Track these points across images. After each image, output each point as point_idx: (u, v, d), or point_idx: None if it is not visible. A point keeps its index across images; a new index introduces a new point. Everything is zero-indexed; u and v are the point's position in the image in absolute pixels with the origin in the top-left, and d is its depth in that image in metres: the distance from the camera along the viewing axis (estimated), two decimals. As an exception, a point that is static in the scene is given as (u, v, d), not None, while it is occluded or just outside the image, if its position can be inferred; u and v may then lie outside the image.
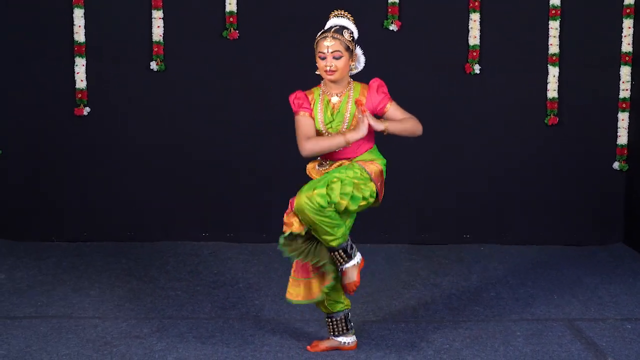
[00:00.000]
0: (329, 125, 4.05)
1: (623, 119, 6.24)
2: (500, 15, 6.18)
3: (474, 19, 6.13)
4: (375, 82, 4.10)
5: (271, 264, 5.79)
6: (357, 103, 4.02)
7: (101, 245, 6.15)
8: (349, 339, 4.23)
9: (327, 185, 3.88)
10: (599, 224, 6.36)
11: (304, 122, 4.06)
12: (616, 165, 6.29)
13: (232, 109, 6.25)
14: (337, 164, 4.05)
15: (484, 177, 6.31)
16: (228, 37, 6.15)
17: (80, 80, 6.12)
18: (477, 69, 6.18)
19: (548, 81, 6.20)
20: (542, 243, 6.32)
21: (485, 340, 4.39)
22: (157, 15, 6.10)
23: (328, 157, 4.09)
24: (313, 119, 4.07)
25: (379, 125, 3.95)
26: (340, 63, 3.98)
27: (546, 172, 6.31)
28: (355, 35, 4.07)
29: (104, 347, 4.25)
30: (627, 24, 6.17)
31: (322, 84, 4.14)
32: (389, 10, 6.13)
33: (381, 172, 4.08)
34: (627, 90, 6.22)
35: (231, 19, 6.13)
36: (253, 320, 4.68)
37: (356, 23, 4.12)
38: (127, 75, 6.19)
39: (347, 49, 4.00)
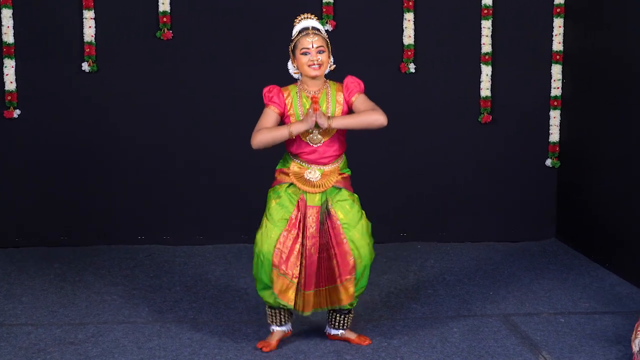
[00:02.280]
0: None
1: (555, 116, 6.37)
2: (434, 14, 6.25)
3: (408, 19, 6.20)
4: (349, 77, 4.28)
5: (208, 266, 5.76)
6: (313, 99, 4.14)
7: (33, 250, 6.04)
8: (287, 327, 4.35)
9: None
10: (532, 220, 6.49)
11: (267, 115, 4.19)
12: (548, 162, 6.42)
13: (166, 110, 6.21)
14: (317, 169, 4.20)
15: (419, 175, 6.38)
16: (162, 38, 6.11)
17: (10, 82, 6.01)
18: (412, 68, 6.24)
19: (481, 80, 6.30)
20: (478, 240, 6.41)
21: (423, 337, 4.45)
22: (89, 15, 6.02)
23: (306, 161, 4.21)
24: (281, 115, 4.19)
25: (322, 121, 4.06)
26: (324, 57, 4.15)
27: (480, 170, 6.41)
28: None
29: (37, 354, 4.19)
30: (558, 23, 6.30)
31: (298, 83, 4.24)
32: (324, 10, 6.16)
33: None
34: (558, 88, 6.35)
35: (164, 19, 6.08)
36: (190, 323, 4.65)
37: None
38: (58, 77, 6.09)
39: (327, 45, 4.18)
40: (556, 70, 6.33)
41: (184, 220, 6.29)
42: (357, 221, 4.26)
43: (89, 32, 6.04)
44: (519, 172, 6.43)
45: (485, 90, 6.31)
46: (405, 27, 6.21)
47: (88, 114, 6.15)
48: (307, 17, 4.23)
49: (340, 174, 4.26)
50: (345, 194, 4.25)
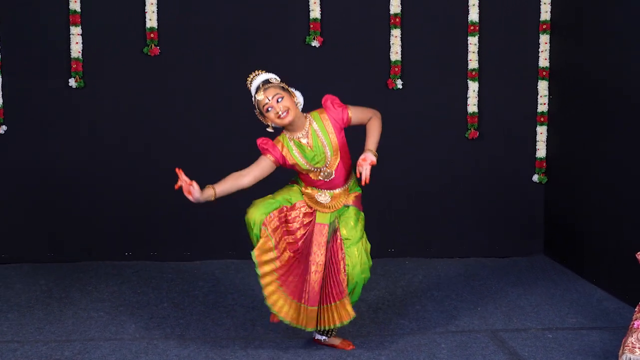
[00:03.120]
0: (314, 162, 4.31)
1: (541, 132, 6.41)
2: (421, 31, 6.29)
3: (395, 35, 6.23)
4: (327, 99, 4.37)
5: (195, 282, 5.75)
6: (358, 165, 4.23)
7: (19, 267, 6.02)
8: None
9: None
10: (520, 235, 6.51)
11: (261, 164, 4.29)
12: (535, 178, 6.45)
13: (153, 126, 6.21)
14: (328, 193, 4.40)
15: (407, 191, 6.40)
16: (149, 54, 6.12)
17: (-4, 97, 6.02)
18: (399, 84, 6.28)
19: (468, 96, 6.34)
20: (466, 255, 6.43)
21: (411, 353, 4.45)
22: (76, 31, 6.03)
23: (323, 187, 4.39)
24: (277, 165, 4.30)
25: (374, 160, 4.27)
26: (287, 102, 4.20)
27: (468, 186, 6.44)
28: (279, 78, 4.30)
29: (23, 371, 4.17)
30: (544, 40, 6.35)
31: (285, 131, 4.32)
32: (311, 26, 6.19)
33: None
34: (544, 104, 6.39)
35: (152, 35, 6.10)
36: (177, 340, 4.64)
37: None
38: (45, 92, 6.10)
39: (283, 89, 4.23)
40: (542, 86, 6.38)
41: (172, 236, 6.28)
42: (358, 239, 4.37)
43: (76, 48, 6.04)
44: (506, 188, 6.46)
45: (472, 106, 6.34)
46: (393, 44, 6.25)
47: (75, 130, 6.15)
48: (254, 76, 4.27)
49: (349, 194, 4.45)
50: (352, 211, 4.41)
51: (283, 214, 4.36)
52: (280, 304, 4.37)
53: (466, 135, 6.38)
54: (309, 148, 4.29)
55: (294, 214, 4.37)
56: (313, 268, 4.32)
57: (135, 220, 6.24)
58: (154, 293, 5.50)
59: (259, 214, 4.31)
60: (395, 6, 6.22)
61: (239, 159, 4.61)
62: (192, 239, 6.28)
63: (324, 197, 4.39)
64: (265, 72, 4.30)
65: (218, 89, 6.20)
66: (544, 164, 6.43)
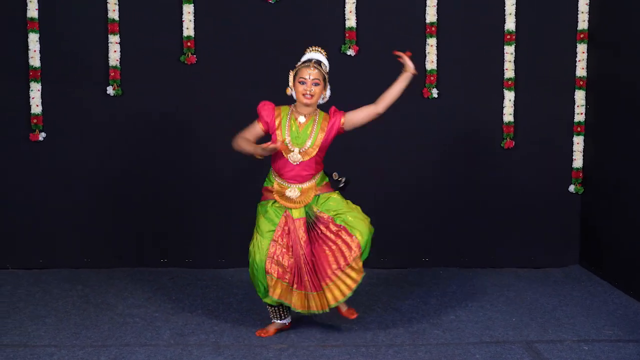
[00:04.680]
0: (294, 141, 4.71)
1: (578, 142, 6.38)
2: (457, 40, 6.29)
3: (431, 44, 6.24)
4: (332, 109, 4.82)
5: (230, 289, 5.80)
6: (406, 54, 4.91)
7: (57, 272, 6.12)
8: (287, 320, 4.93)
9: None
10: (555, 246, 6.48)
11: (253, 128, 4.81)
12: (572, 188, 6.42)
13: (189, 134, 6.27)
14: (296, 188, 4.76)
15: (442, 201, 6.40)
16: (186, 62, 6.19)
17: (36, 105, 6.11)
18: (434, 93, 6.28)
19: (504, 105, 6.33)
20: (500, 266, 6.41)
21: (445, 363, 4.46)
22: (114, 39, 6.12)
23: (285, 179, 4.76)
24: (265, 132, 4.77)
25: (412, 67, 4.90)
26: (317, 90, 4.70)
27: (503, 196, 6.42)
28: (328, 69, 4.78)
29: (60, 375, 4.23)
30: (581, 49, 6.32)
31: (292, 106, 4.79)
32: (347, 35, 6.22)
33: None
34: (581, 114, 6.36)
35: (189, 44, 6.17)
36: (212, 347, 4.69)
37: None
38: (83, 100, 6.18)
39: (324, 79, 4.73)
40: (579, 96, 6.35)
41: (207, 243, 6.33)
42: (345, 206, 4.80)
43: (114, 56, 6.14)
44: (542, 198, 6.43)
45: (507, 115, 6.33)
46: (428, 52, 6.26)
47: (112, 137, 6.23)
48: (315, 50, 4.80)
49: (317, 187, 4.80)
50: (323, 196, 4.80)
51: (274, 248, 4.73)
52: (285, 295, 4.75)
53: (502, 145, 6.37)
54: (298, 128, 4.71)
55: (278, 233, 4.74)
56: (303, 259, 4.70)
57: (171, 227, 6.31)
58: (188, 300, 5.55)
59: (258, 260, 4.74)
60: (431, 15, 6.24)
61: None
62: (227, 246, 6.33)
63: (293, 192, 4.74)
64: (324, 54, 4.78)
65: (254, 97, 6.22)
66: (581, 174, 6.40)
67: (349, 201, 4.85)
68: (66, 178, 6.22)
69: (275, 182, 4.79)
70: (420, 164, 6.37)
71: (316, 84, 4.67)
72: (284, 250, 4.72)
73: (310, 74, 4.66)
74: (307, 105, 4.71)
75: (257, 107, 4.80)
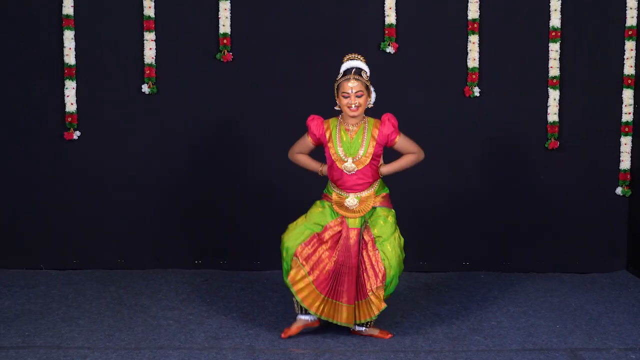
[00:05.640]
0: (347, 151, 4.80)
1: (626, 143, 6.29)
2: (500, 37, 6.24)
3: (473, 41, 6.19)
4: (388, 116, 4.85)
5: (265, 292, 5.80)
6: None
7: (91, 273, 6.17)
8: (311, 317, 4.88)
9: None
10: (601, 250, 6.39)
11: (304, 141, 4.93)
12: (619, 190, 6.33)
13: (225, 133, 6.28)
14: (355, 197, 4.82)
15: (484, 203, 6.35)
16: (222, 60, 6.20)
17: (70, 103, 6.16)
18: (476, 91, 6.23)
19: (549, 104, 6.26)
20: (544, 270, 6.34)
21: (486, 371, 4.42)
22: (149, 37, 6.15)
23: (343, 189, 4.83)
24: (315, 144, 4.91)
25: (381, 171, 4.89)
26: (362, 100, 4.76)
27: (547, 198, 6.35)
28: (369, 74, 4.83)
29: (93, 378, 4.26)
30: (630, 46, 6.24)
31: (340, 117, 4.88)
32: (386, 32, 6.19)
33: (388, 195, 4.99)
34: (629, 113, 6.27)
35: (225, 41, 6.18)
36: (247, 350, 4.68)
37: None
38: (118, 99, 6.23)
39: (367, 87, 4.78)
40: (627, 95, 6.26)
41: (242, 245, 6.34)
42: (390, 235, 4.81)
43: (150, 54, 6.16)
44: (588, 201, 6.35)
45: (552, 115, 6.26)
46: (470, 50, 6.21)
47: (147, 136, 6.26)
48: (353, 58, 4.84)
49: (376, 196, 4.85)
50: (380, 211, 4.85)
51: (314, 240, 4.81)
52: (311, 300, 4.78)
53: (546, 146, 6.30)
54: (349, 138, 4.79)
55: (326, 235, 4.81)
56: (346, 270, 4.74)
57: (206, 229, 6.33)
58: (223, 302, 5.56)
59: (292, 242, 4.82)
60: (473, 11, 6.19)
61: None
62: (262, 248, 6.33)
63: (352, 201, 4.80)
64: (363, 60, 4.83)
65: (291, 95, 6.24)
66: (628, 176, 6.31)
67: (397, 227, 4.89)
68: (100, 178, 6.26)
69: (333, 193, 4.87)
70: (461, 165, 6.32)
71: (359, 96, 4.74)
72: (327, 252, 4.79)
73: (352, 87, 4.73)
74: (353, 117, 4.79)
75: (306, 121, 4.89)
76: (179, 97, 6.25)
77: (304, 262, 4.78)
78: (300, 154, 4.97)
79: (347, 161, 4.78)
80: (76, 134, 6.21)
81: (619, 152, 6.31)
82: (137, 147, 6.27)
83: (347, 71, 4.77)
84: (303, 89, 6.20)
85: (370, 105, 4.82)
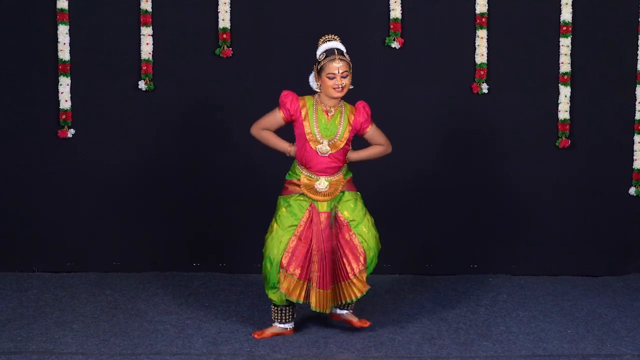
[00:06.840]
0: (323, 132, 4.84)
1: (639, 141, 6.26)
2: (509, 31, 6.22)
3: (481, 36, 6.17)
4: (361, 104, 4.96)
5: (265, 296, 5.75)
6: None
7: (85, 276, 6.15)
8: (289, 325, 5.01)
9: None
10: (614, 253, 6.37)
11: (273, 117, 4.94)
12: (632, 190, 6.31)
13: (225, 132, 6.26)
14: (325, 180, 4.87)
15: (492, 204, 6.32)
16: (221, 55, 6.18)
17: (65, 100, 6.14)
18: (484, 88, 6.21)
19: (559, 102, 6.23)
20: (554, 273, 6.32)
21: (495, 378, 4.39)
22: (146, 32, 6.13)
23: (314, 171, 4.87)
24: (285, 121, 4.91)
25: (350, 156, 5.00)
26: (347, 81, 4.82)
27: (557, 198, 6.33)
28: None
29: (87, 385, 4.24)
30: (643, 41, 6.23)
31: (316, 96, 4.93)
32: (391, 26, 6.17)
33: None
34: (643, 111, 6.26)
35: (224, 36, 6.15)
36: (246, 356, 4.66)
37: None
38: (114, 95, 6.21)
39: (350, 68, 4.82)
40: (641, 92, 6.25)
41: (241, 247, 6.32)
42: (363, 217, 4.94)
43: (147, 49, 6.14)
44: (599, 201, 6.33)
45: (563, 112, 6.24)
46: (478, 45, 6.19)
47: (144, 134, 6.24)
48: (330, 39, 4.88)
49: (343, 179, 4.95)
50: (348, 195, 4.96)
51: (294, 243, 4.86)
52: (298, 292, 4.86)
53: (557, 144, 6.27)
54: (327, 119, 4.85)
55: (300, 229, 4.87)
56: (321, 255, 4.84)
57: (204, 231, 6.30)
58: (222, 306, 5.54)
59: (274, 252, 4.87)
60: (481, 5, 6.17)
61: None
62: (262, 250, 6.30)
63: (322, 184, 4.86)
64: (339, 41, 4.88)
65: (292, 90, 6.20)
66: (642, 176, 6.30)
67: (366, 208, 4.99)
68: (96, 177, 6.24)
69: (302, 175, 4.90)
70: (469, 164, 6.29)
71: (345, 76, 4.79)
72: (306, 246, 4.86)
73: (338, 67, 4.76)
74: (337, 98, 4.85)
75: (280, 97, 4.91)
76: (177, 94, 6.23)
77: (294, 272, 4.86)
78: (267, 131, 4.95)
79: (322, 142, 4.83)
80: (70, 132, 6.18)
81: (632, 151, 6.29)
82: (133, 146, 6.24)
83: (330, 51, 4.81)
84: (305, 85, 6.16)
85: (351, 87, 4.87)
